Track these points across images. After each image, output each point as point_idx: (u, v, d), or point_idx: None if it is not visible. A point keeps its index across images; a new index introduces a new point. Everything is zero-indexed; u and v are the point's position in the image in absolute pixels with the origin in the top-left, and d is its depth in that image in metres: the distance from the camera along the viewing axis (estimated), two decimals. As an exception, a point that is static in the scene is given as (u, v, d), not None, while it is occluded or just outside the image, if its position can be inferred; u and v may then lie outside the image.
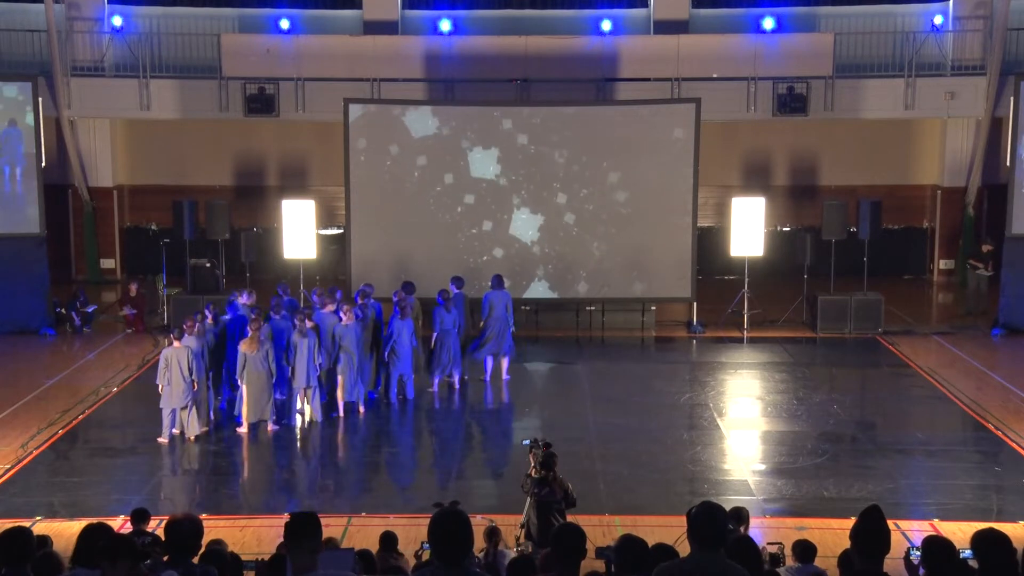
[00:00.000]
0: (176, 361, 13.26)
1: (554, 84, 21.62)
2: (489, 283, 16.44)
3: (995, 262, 20.06)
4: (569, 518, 9.46)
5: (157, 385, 13.49)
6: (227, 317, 14.73)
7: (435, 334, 15.44)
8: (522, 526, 9.82)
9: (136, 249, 24.16)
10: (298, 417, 14.13)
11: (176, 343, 13.36)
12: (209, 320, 14.32)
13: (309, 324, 14.09)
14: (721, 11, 23.38)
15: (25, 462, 12.78)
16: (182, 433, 13.54)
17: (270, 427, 13.86)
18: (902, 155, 24.34)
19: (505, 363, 16.28)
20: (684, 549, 5.65)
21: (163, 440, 13.42)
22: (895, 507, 11.26)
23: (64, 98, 22.21)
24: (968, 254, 21.64)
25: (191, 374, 13.29)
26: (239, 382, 13.83)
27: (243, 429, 13.79)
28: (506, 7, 23.52)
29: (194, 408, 13.46)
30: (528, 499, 9.74)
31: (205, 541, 6.65)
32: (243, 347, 13.67)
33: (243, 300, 15.15)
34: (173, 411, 13.45)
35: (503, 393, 15.94)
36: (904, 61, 22.29)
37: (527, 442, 10.20)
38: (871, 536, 6.71)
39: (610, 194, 19.16)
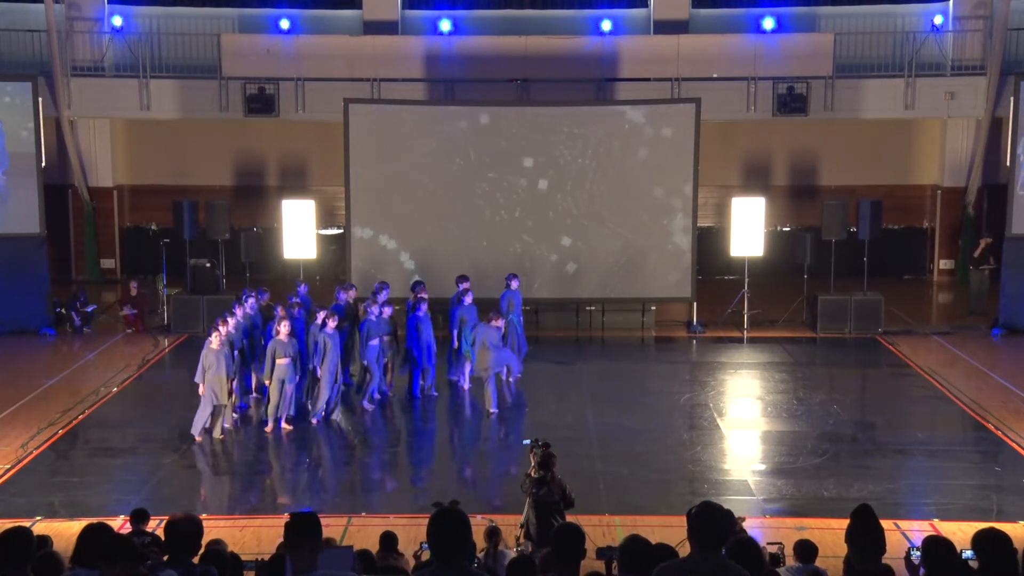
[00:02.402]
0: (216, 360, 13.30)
1: (554, 84, 21.63)
2: (505, 283, 16.51)
3: (996, 255, 20.04)
4: (569, 518, 9.46)
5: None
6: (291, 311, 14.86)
7: (455, 332, 15.55)
8: (522, 526, 9.82)
9: (136, 249, 24.17)
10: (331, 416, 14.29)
11: (215, 342, 13.35)
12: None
13: (335, 323, 14.12)
14: (721, 11, 23.40)
15: (25, 462, 12.78)
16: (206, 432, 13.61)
17: (284, 424, 13.96)
18: (902, 155, 24.35)
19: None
20: (687, 552, 5.64)
21: (200, 438, 13.50)
22: (895, 507, 11.28)
23: (64, 98, 22.22)
24: (968, 255, 21.60)
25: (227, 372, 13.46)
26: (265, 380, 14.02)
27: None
28: (506, 7, 23.53)
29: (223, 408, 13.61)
30: (527, 499, 9.74)
31: (205, 541, 6.65)
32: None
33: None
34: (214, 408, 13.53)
35: (506, 393, 15.90)
36: (904, 61, 22.30)
37: (527, 442, 10.21)
38: (864, 535, 6.73)
39: (610, 194, 19.15)
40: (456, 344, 15.61)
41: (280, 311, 14.47)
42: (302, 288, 16.15)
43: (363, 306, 14.99)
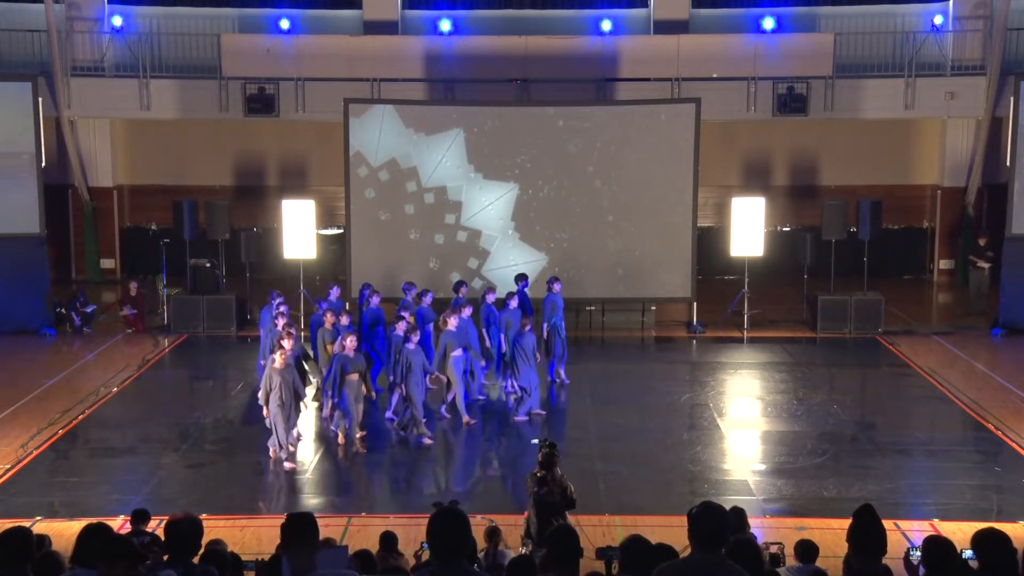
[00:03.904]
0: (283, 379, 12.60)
1: (554, 84, 21.62)
2: (547, 286, 16.23)
3: (994, 254, 20.05)
4: (570, 518, 9.46)
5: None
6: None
7: (501, 336, 15.10)
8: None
9: (136, 249, 24.16)
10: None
11: (279, 361, 12.59)
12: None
13: (418, 338, 13.49)
14: (721, 11, 23.39)
15: (25, 462, 12.78)
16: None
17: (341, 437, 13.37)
18: (902, 155, 24.34)
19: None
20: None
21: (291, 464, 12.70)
22: (895, 507, 11.28)
23: (64, 98, 22.22)
24: (967, 252, 21.60)
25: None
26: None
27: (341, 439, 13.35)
28: (506, 7, 23.52)
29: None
30: (530, 498, 9.74)
31: (205, 541, 6.64)
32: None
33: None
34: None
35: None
36: (904, 61, 22.29)
37: (535, 441, 10.22)
38: (866, 535, 6.73)
39: (610, 194, 19.15)
40: (504, 348, 15.02)
41: (327, 318, 14.02)
42: (334, 290, 15.79)
43: (442, 316, 14.30)
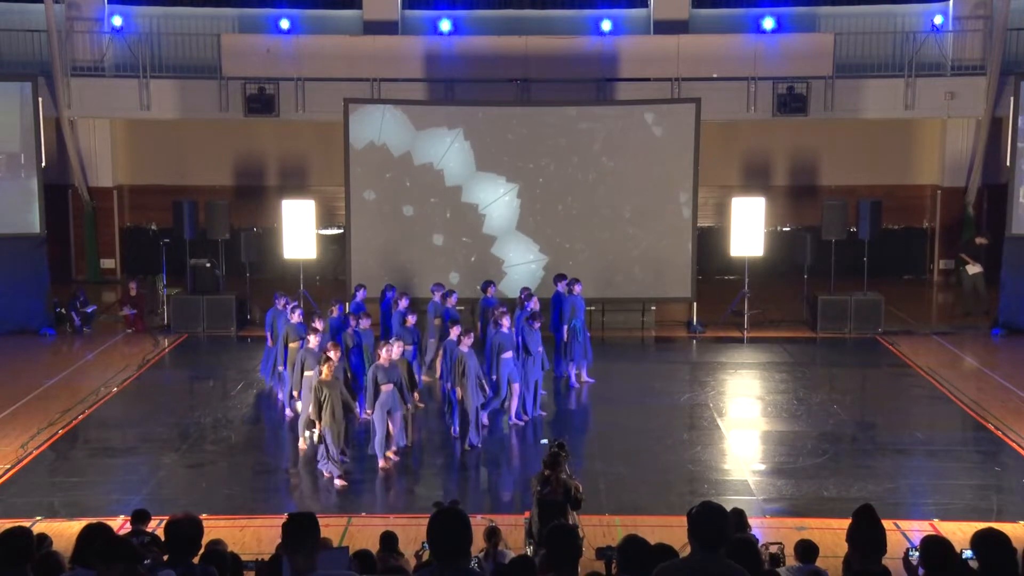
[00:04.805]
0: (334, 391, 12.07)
1: (554, 84, 21.62)
2: (567, 288, 16.03)
3: (989, 256, 20.03)
4: (577, 518, 9.47)
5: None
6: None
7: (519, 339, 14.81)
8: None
9: (136, 249, 24.17)
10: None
11: (326, 373, 12.05)
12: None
13: (471, 340, 13.08)
14: (721, 11, 23.38)
15: (25, 462, 12.78)
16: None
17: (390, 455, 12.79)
18: (902, 155, 24.34)
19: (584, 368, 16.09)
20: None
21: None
22: (895, 507, 11.28)
23: (64, 98, 22.21)
24: (962, 250, 21.57)
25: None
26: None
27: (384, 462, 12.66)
28: (506, 7, 23.52)
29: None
30: (533, 498, 9.74)
31: (205, 541, 6.64)
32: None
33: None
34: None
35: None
36: (904, 61, 22.29)
37: (545, 441, 10.22)
38: (866, 535, 6.74)
39: (610, 194, 19.16)
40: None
41: (350, 322, 13.75)
42: (360, 292, 15.51)
43: (493, 318, 13.95)
